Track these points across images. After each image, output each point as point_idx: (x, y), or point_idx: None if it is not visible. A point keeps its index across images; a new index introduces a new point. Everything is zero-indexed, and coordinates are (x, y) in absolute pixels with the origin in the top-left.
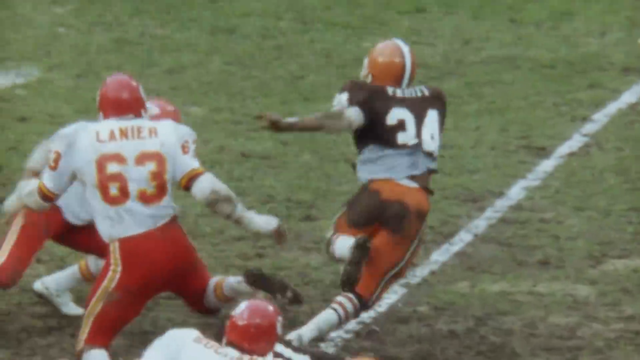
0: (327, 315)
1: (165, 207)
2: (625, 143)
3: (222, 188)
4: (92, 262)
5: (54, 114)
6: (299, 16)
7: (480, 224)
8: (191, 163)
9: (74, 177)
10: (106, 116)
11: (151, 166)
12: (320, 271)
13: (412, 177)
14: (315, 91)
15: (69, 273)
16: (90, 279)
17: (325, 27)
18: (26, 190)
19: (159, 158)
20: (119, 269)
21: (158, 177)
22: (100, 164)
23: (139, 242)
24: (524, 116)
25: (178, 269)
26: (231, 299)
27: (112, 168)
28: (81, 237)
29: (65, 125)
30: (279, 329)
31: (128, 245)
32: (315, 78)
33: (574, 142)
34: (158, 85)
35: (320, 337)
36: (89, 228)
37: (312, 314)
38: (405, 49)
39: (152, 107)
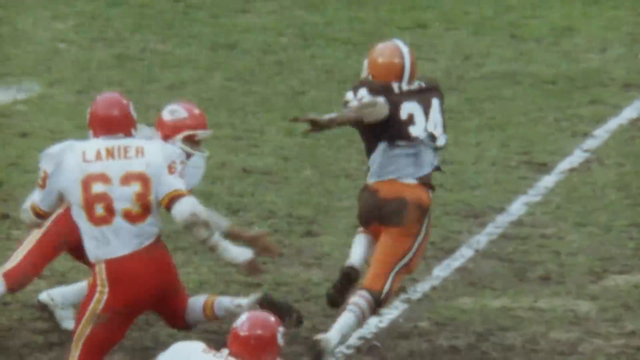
0: (345, 319)
1: (150, 226)
2: (626, 159)
3: (202, 212)
4: None
5: (54, 130)
6: (300, 32)
7: (481, 239)
8: (175, 183)
9: (62, 196)
10: (96, 135)
11: (136, 187)
12: (321, 287)
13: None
14: (316, 107)
15: (77, 288)
16: None
17: (326, 43)
18: (23, 206)
19: (143, 179)
20: (106, 290)
21: (142, 197)
22: (86, 183)
23: (125, 263)
24: (525, 132)
25: (163, 289)
26: (220, 319)
27: (97, 188)
28: None
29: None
30: (280, 340)
31: (114, 266)
32: (316, 94)
33: (575, 158)
34: (159, 101)
35: (345, 341)
36: None
37: (313, 329)
38: (405, 49)
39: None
